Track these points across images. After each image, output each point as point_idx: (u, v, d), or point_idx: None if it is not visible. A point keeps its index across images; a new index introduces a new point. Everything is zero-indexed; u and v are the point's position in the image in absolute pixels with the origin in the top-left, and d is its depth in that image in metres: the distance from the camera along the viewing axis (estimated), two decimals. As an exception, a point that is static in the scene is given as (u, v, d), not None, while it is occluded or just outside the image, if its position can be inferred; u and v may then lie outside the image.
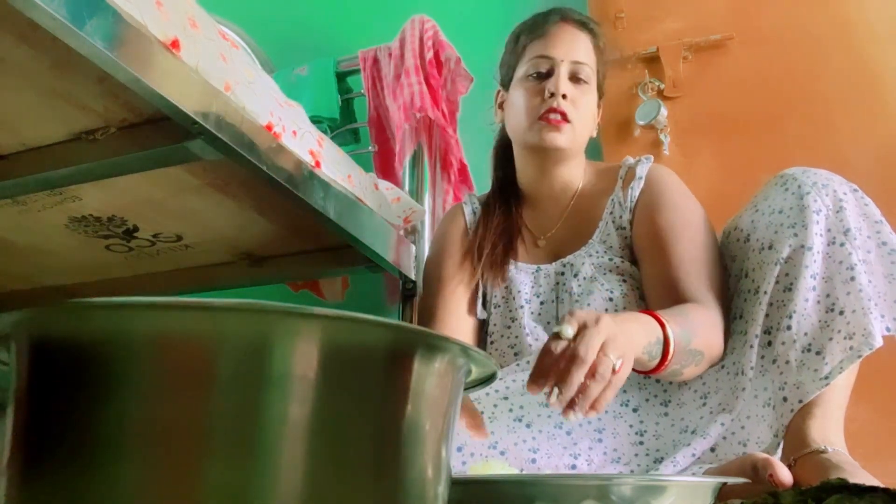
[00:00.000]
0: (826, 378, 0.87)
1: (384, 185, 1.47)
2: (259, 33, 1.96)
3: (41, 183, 1.10)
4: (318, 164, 1.17)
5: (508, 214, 1.23)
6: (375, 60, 1.82)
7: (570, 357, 0.73)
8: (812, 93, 1.55)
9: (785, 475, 0.76)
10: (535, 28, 1.20)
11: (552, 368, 0.74)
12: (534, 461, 0.93)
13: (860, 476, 0.78)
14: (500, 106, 1.26)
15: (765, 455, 0.81)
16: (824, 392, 0.87)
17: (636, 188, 1.14)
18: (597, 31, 1.21)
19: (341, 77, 1.90)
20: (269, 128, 1.04)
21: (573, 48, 1.16)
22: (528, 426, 0.96)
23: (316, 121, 1.78)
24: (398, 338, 0.36)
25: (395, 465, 0.36)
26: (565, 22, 1.19)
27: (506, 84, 1.24)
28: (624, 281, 1.08)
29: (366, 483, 0.35)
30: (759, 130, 1.57)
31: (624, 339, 0.77)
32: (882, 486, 0.55)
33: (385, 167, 1.80)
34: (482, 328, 1.22)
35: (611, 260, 1.11)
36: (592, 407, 0.73)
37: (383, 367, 0.36)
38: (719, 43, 1.64)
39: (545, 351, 0.75)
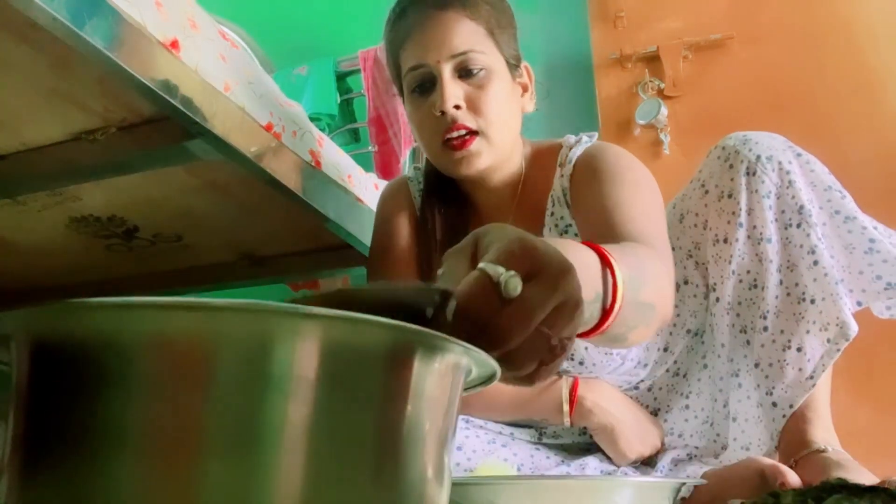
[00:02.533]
0: (811, 378, 0.86)
1: (384, 185, 1.47)
2: (259, 33, 1.96)
3: (41, 183, 1.10)
4: (318, 164, 1.17)
5: (451, 226, 1.02)
6: (375, 60, 1.82)
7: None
8: (812, 93, 1.55)
9: (795, 480, 0.75)
10: (396, 30, 0.98)
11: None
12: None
13: (861, 475, 0.78)
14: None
15: (771, 461, 0.80)
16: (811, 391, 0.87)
17: (566, 176, 0.96)
18: None
19: (341, 77, 1.90)
20: (269, 128, 1.04)
21: (446, 39, 0.91)
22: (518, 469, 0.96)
23: (316, 120, 1.78)
24: (398, 338, 0.36)
25: (396, 465, 0.36)
26: (427, 7, 0.94)
27: (402, 96, 1.02)
28: None
29: (366, 483, 0.35)
30: (758, 130, 1.57)
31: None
32: (882, 485, 0.55)
33: (385, 167, 1.80)
34: None
35: None
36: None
37: (383, 367, 0.36)
38: (719, 42, 1.64)
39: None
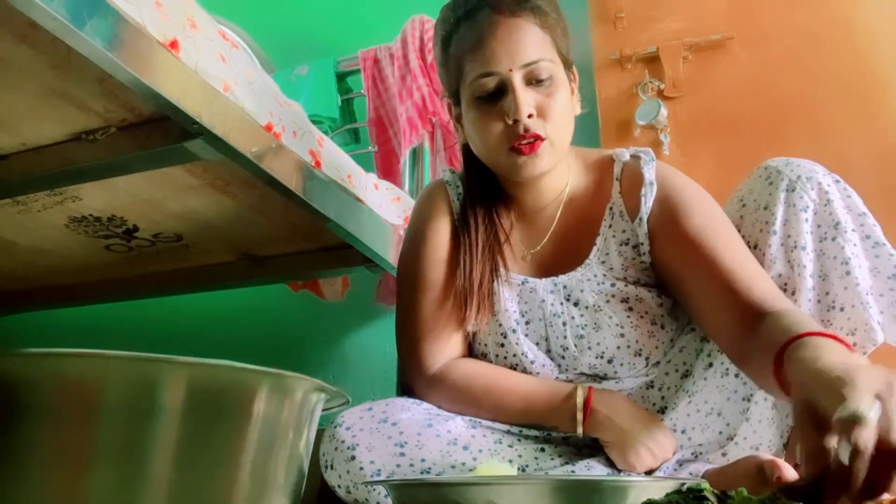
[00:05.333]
0: None
1: (384, 185, 1.47)
2: (259, 33, 1.96)
3: (41, 183, 1.10)
4: (318, 164, 1.17)
5: (492, 225, 1.04)
6: (376, 60, 1.82)
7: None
8: (812, 93, 1.55)
9: (791, 475, 0.76)
10: (465, 34, 0.96)
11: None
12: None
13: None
14: (458, 120, 1.03)
15: (770, 457, 0.80)
16: None
17: (649, 196, 0.98)
18: (537, 4, 0.95)
19: (341, 77, 1.90)
20: (269, 128, 1.04)
21: (519, 47, 0.92)
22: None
23: (316, 121, 1.78)
24: (246, 377, 0.49)
25: (246, 473, 0.48)
26: (498, 13, 0.93)
27: (454, 99, 1.02)
28: (630, 309, 0.98)
29: (222, 486, 0.47)
30: (759, 130, 1.57)
31: None
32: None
33: (385, 167, 1.80)
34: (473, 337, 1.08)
35: (612, 286, 0.98)
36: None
37: (237, 399, 0.49)
38: (719, 43, 1.64)
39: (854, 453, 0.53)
